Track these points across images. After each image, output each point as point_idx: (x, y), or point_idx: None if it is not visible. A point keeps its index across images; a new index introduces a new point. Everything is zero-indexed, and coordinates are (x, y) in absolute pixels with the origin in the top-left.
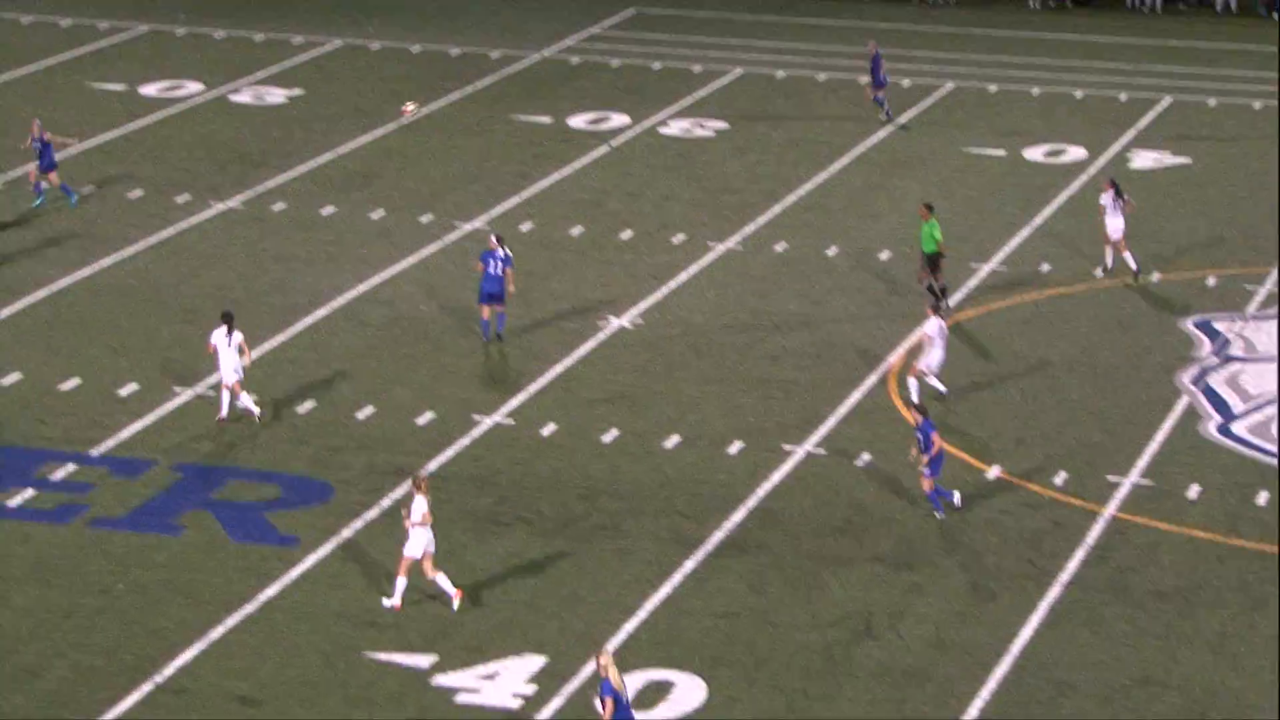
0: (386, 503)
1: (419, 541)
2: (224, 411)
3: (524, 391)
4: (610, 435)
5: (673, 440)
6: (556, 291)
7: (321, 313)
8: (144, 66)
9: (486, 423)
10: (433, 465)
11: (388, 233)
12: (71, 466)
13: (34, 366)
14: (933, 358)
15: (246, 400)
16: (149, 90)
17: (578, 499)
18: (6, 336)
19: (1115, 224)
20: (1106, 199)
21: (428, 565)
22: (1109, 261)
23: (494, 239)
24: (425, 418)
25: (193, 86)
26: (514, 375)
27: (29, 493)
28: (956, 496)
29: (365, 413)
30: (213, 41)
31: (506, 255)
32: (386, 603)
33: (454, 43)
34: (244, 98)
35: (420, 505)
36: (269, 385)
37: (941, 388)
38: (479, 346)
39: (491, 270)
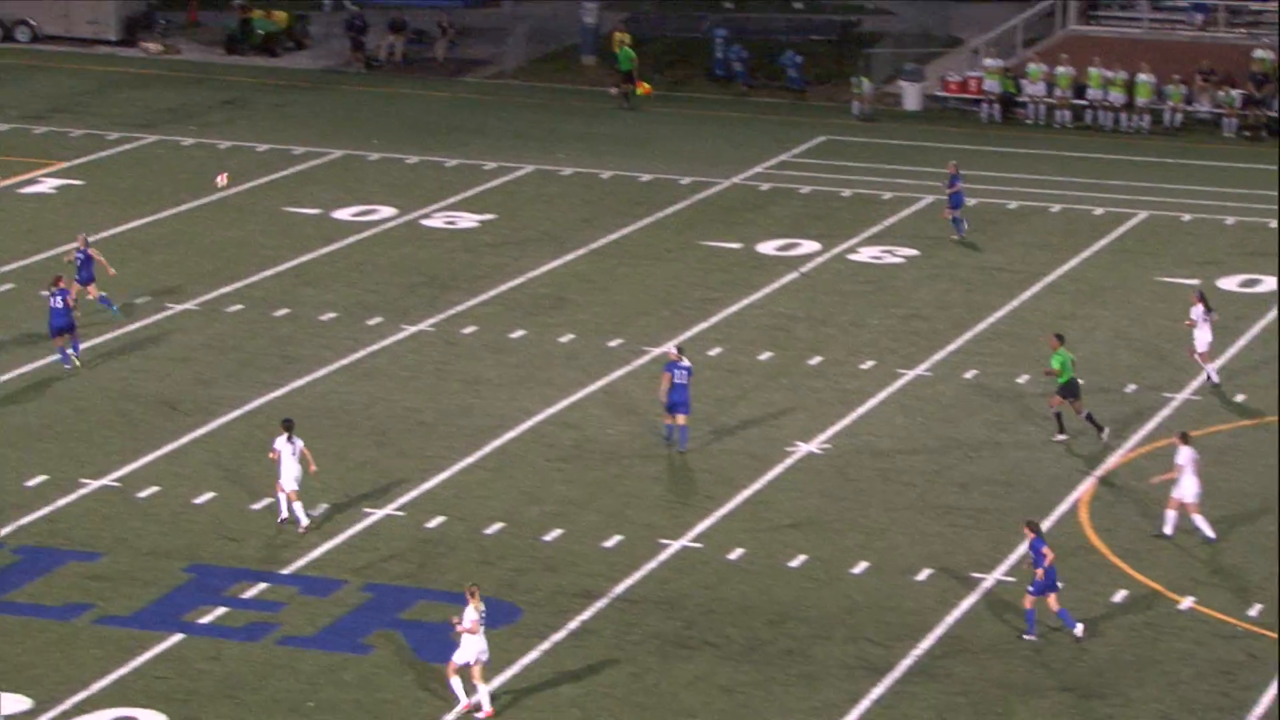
0: (574, 625)
1: (470, 649)
2: (283, 513)
3: (711, 515)
4: (798, 560)
5: (861, 566)
6: (744, 416)
7: (510, 435)
8: (338, 191)
9: (674, 546)
10: (619, 588)
11: (576, 356)
12: (263, 585)
13: (227, 486)
14: (1187, 488)
15: (299, 510)
16: (342, 214)
17: (765, 624)
18: (201, 456)
19: (1203, 337)
20: (1197, 313)
21: (476, 672)
22: (1213, 377)
23: (675, 350)
24: (613, 540)
25: (385, 211)
26: (701, 499)
27: (220, 610)
28: (1079, 628)
29: (553, 535)
30: (405, 166)
31: (688, 367)
32: (479, 715)
33: (644, 169)
34: (435, 222)
35: (470, 614)
36: (457, 506)
37: (1209, 531)
38: (666, 470)
39: (677, 380)
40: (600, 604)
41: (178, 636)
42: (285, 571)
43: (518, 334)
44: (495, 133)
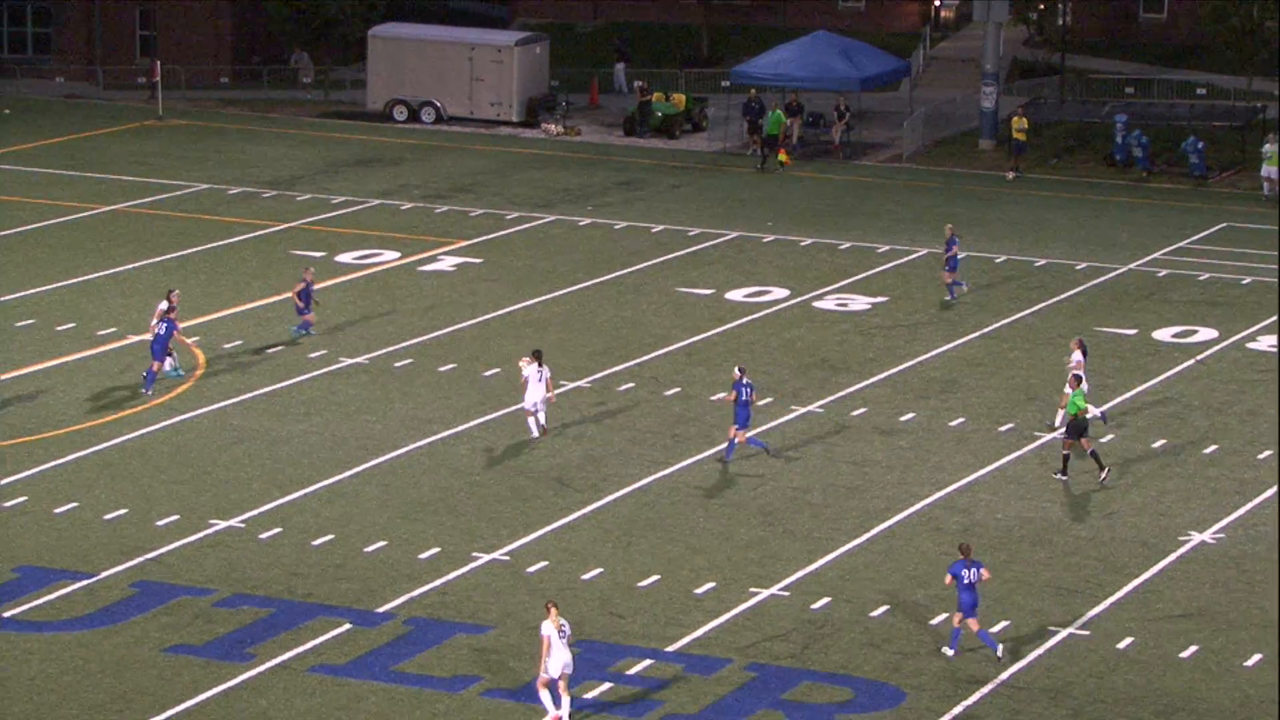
0: (958, 710)
1: (557, 662)
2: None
3: (1101, 603)
4: (1189, 651)
5: (1254, 659)
6: (1136, 504)
7: (897, 518)
8: (731, 271)
9: (1061, 634)
10: (1005, 675)
11: (966, 440)
12: (648, 662)
13: (615, 562)
14: None
15: (532, 424)
16: (735, 295)
17: (1154, 715)
18: (590, 533)
19: None
20: None
21: (562, 685)
22: None
23: (738, 371)
24: (999, 626)
25: (778, 292)
26: (1091, 586)
27: (606, 686)
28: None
29: (939, 620)
30: (799, 249)
31: (750, 384)
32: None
33: (1039, 254)
34: (827, 304)
35: (547, 628)
36: (842, 587)
37: None
38: (1054, 557)
39: (743, 398)
40: (986, 690)
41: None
42: (670, 649)
43: (907, 416)
44: (889, 216)
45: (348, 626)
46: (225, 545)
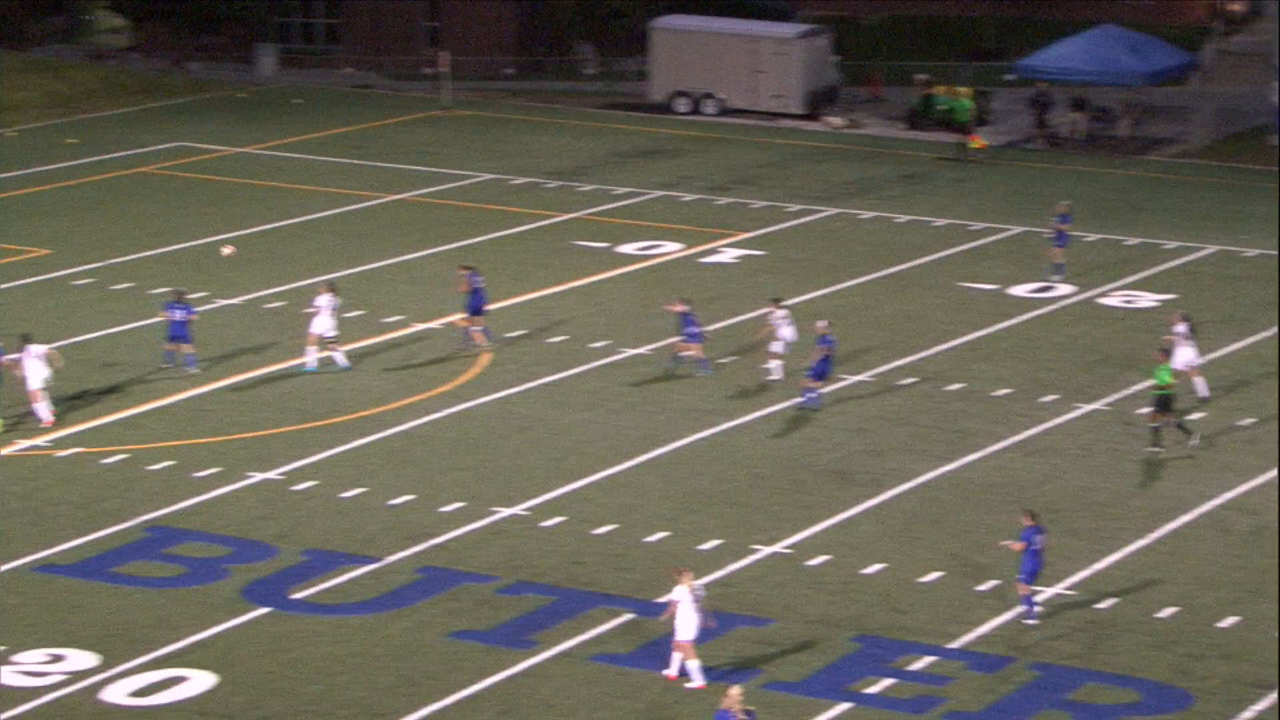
0: (1247, 714)
1: (690, 626)
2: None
3: None
4: None
5: None
6: None
7: (1185, 518)
8: (1014, 267)
9: None
10: None
11: (1257, 440)
12: (930, 659)
13: (897, 558)
14: None
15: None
16: (1019, 290)
17: None
18: (871, 527)
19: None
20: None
21: (690, 648)
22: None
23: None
24: None
25: (1063, 288)
26: None
27: (888, 682)
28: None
29: (1228, 622)
30: (1084, 244)
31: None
32: (690, 686)
33: None
34: (1113, 300)
35: (679, 592)
36: (1129, 587)
37: None
38: None
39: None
40: (1275, 695)
41: (845, 706)
42: (953, 646)
43: (1196, 416)
44: (1177, 212)
45: (629, 616)
46: (508, 533)
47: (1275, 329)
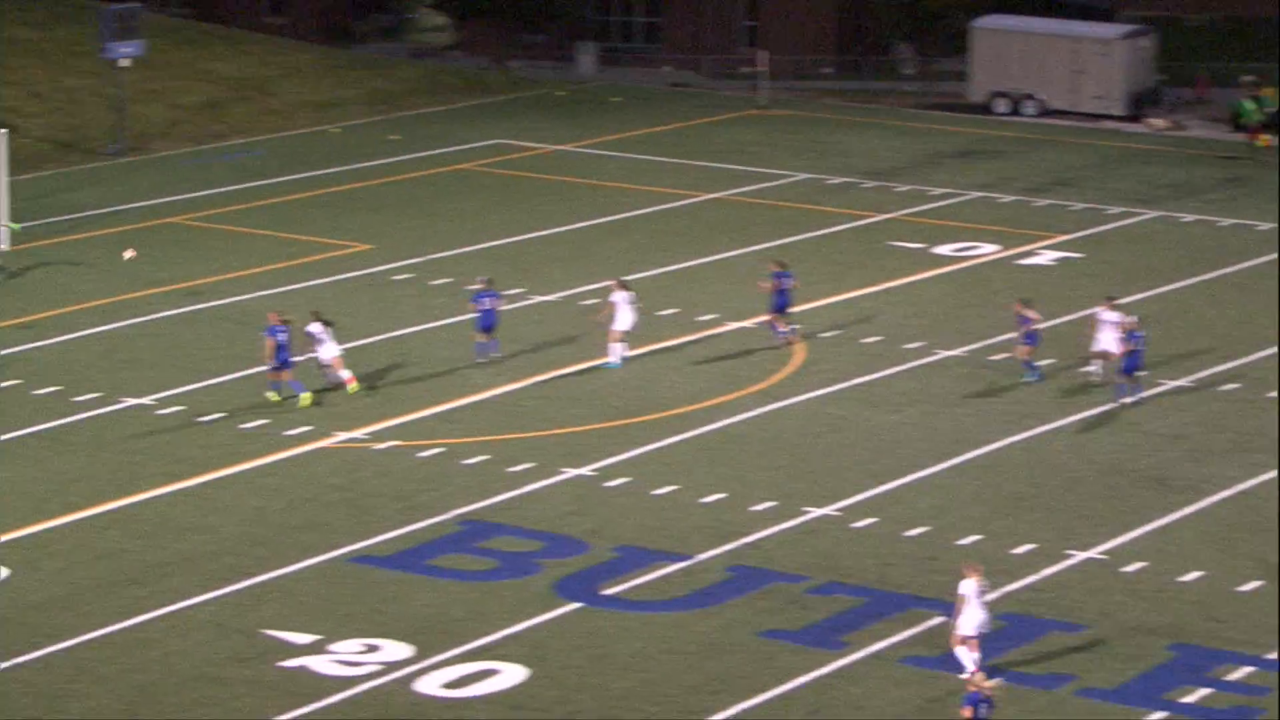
0: None
1: (972, 621)
2: None
3: None
4: None
5: None
6: None
7: None
8: None
9: None
10: None
11: None
12: (1248, 669)
13: (1215, 566)
14: None
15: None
16: None
17: None
18: (1190, 534)
19: None
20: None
21: (975, 643)
22: None
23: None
24: None
25: None
26: None
27: (1204, 692)
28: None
29: None
30: None
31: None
32: (962, 675)
33: None
34: None
35: (967, 586)
36: None
37: None
38: None
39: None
40: None
41: (1159, 715)
42: (1271, 656)
43: None
44: None
45: (940, 619)
46: (819, 533)
47: None
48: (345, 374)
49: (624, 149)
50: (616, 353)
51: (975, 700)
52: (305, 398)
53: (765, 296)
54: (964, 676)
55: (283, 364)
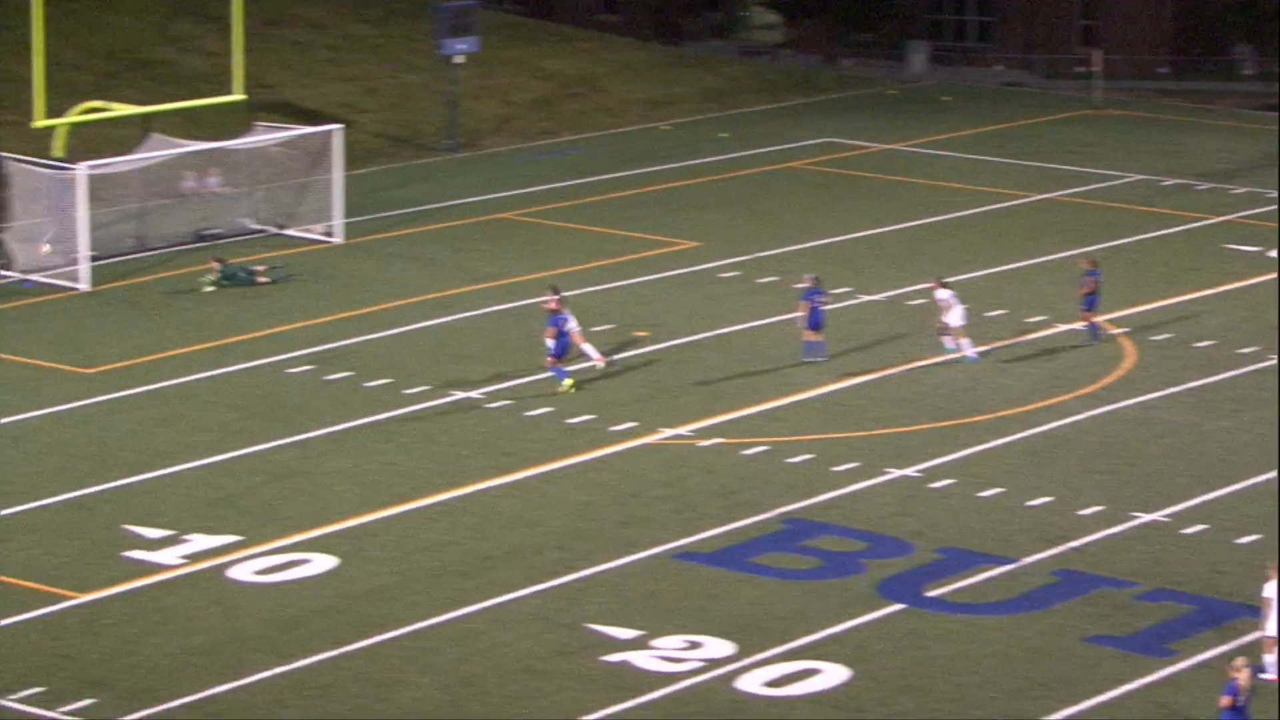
0: None
1: (1275, 621)
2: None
3: None
4: None
5: None
6: None
7: None
8: None
9: None
10: None
11: None
12: None
13: None
14: None
15: None
16: None
17: None
18: None
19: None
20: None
21: (1269, 644)
22: None
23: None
24: None
25: None
26: None
27: None
28: None
29: None
30: None
31: None
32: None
33: None
34: None
35: (1270, 589)
36: None
37: None
38: None
39: None
40: None
41: None
42: None
43: None
44: None
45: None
46: (1148, 539)
47: None
48: (594, 353)
49: (954, 148)
50: (968, 347)
51: (1234, 690)
52: (567, 384)
53: (1077, 298)
54: (1267, 677)
55: (562, 351)
